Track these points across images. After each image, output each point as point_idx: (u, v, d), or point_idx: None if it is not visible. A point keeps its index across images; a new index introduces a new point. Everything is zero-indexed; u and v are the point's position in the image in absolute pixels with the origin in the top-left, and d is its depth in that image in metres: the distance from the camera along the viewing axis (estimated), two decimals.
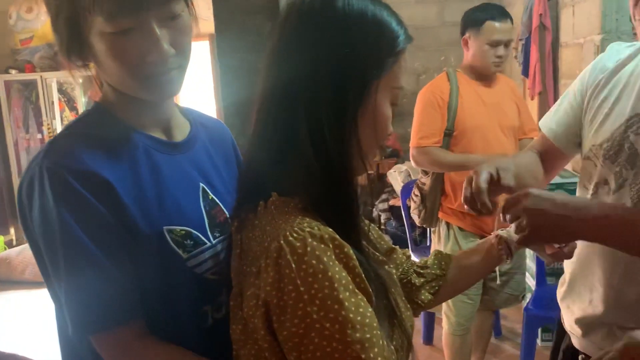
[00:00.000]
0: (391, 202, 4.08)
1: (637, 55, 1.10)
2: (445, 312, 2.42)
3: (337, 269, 0.65)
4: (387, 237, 1.04)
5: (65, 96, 5.10)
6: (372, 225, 0.96)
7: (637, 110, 1.04)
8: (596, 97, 1.13)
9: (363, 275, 0.67)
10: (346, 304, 0.63)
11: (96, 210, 0.76)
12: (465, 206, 1.04)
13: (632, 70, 1.09)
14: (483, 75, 2.32)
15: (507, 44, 2.26)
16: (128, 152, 0.83)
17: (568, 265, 1.23)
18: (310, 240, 0.65)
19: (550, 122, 1.25)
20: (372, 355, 0.63)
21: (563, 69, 3.13)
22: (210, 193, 0.91)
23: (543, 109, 3.18)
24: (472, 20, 2.27)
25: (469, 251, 1.06)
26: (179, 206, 0.85)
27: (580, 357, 1.18)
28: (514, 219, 0.94)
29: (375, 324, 0.65)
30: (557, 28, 3.18)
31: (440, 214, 2.41)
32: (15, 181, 5.25)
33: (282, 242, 0.65)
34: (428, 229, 3.08)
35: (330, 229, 0.68)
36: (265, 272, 0.66)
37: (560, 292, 1.26)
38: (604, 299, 1.10)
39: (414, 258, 1.06)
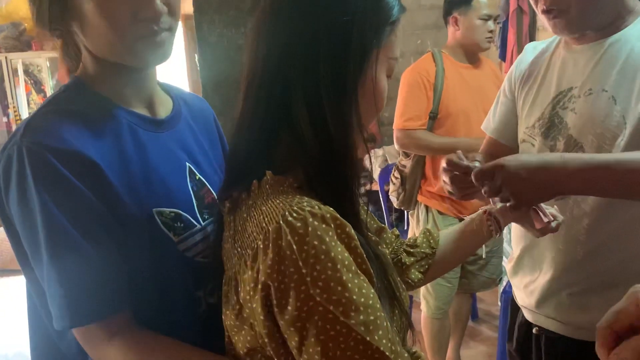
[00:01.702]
0: (367, 187, 4.07)
1: (550, 47, 1.25)
2: (424, 296, 2.43)
3: (339, 249, 0.61)
4: None
5: (32, 78, 4.92)
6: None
7: (560, 89, 1.17)
8: (523, 87, 1.27)
9: (365, 255, 0.64)
10: (349, 285, 0.60)
11: (80, 194, 0.71)
12: (448, 190, 1.07)
13: (548, 59, 1.24)
14: (471, 56, 2.31)
15: (495, 19, 2.28)
16: (112, 130, 0.77)
17: (516, 241, 1.30)
18: (311, 220, 0.61)
19: (492, 123, 1.38)
20: (376, 337, 0.60)
21: None
22: (197, 173, 0.87)
23: None
24: (460, 0, 2.26)
25: (457, 228, 1.05)
26: (167, 187, 0.81)
27: (533, 329, 1.24)
28: (494, 193, 0.94)
29: (378, 306, 0.62)
30: (534, 11, 3.19)
31: (419, 197, 2.40)
32: None
33: (281, 222, 0.62)
34: (405, 214, 3.08)
35: (331, 208, 0.64)
36: (263, 254, 0.62)
37: (509, 269, 1.32)
38: (552, 264, 1.17)
39: None
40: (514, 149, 1.31)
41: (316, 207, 0.63)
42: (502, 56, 3.45)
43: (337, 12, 0.68)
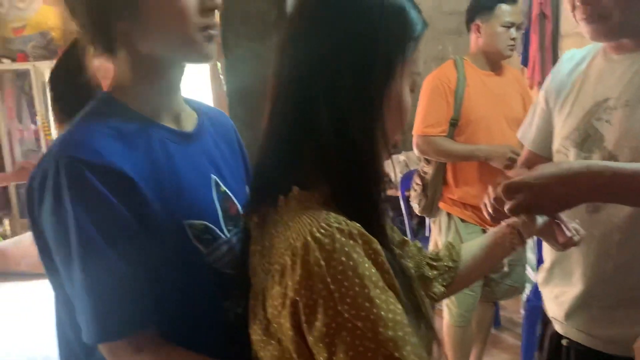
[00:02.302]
0: (388, 193, 4.06)
1: (588, 56, 1.23)
2: (447, 304, 2.42)
3: (366, 265, 0.62)
4: None
5: None
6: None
7: (596, 99, 1.15)
8: (558, 97, 1.25)
9: (391, 271, 0.65)
10: (377, 301, 0.61)
11: (114, 208, 0.72)
12: (486, 206, 1.04)
13: (585, 68, 1.21)
14: (493, 63, 2.31)
15: (518, 27, 2.27)
16: (144, 143, 0.79)
17: (547, 252, 1.28)
18: (338, 236, 0.62)
19: (529, 134, 1.37)
20: (405, 353, 0.61)
21: None
22: (221, 185, 0.89)
23: None
24: (482, 6, 2.26)
25: (480, 241, 1.05)
26: (195, 199, 0.83)
27: (563, 341, 1.23)
28: (518, 211, 0.92)
29: (405, 321, 0.63)
30: (557, 17, 3.16)
31: (441, 204, 2.40)
32: (9, 172, 5.18)
33: (308, 238, 0.63)
34: (427, 220, 3.07)
35: (358, 224, 0.65)
36: (292, 270, 0.63)
37: (540, 279, 1.31)
38: (582, 277, 1.15)
39: None
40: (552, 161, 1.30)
41: (343, 223, 0.64)
42: (524, 62, 3.42)
43: (362, 28, 0.69)
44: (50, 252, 0.76)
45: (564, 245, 0.98)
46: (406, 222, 3.21)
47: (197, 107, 0.95)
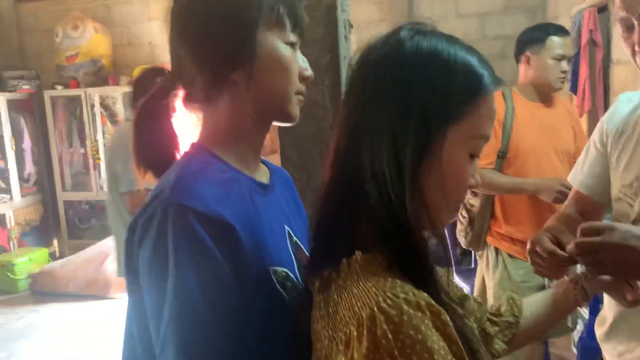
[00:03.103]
0: None
1: None
2: None
3: (434, 338, 0.61)
4: None
5: (107, 110, 5.20)
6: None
7: None
8: (617, 141, 1.20)
9: (459, 342, 0.63)
10: None
11: (216, 261, 0.74)
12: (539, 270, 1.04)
13: None
14: (543, 95, 2.26)
15: (569, 59, 2.23)
16: (238, 192, 0.82)
17: (610, 305, 1.22)
18: (406, 308, 0.61)
19: (581, 176, 1.31)
20: None
21: (615, 87, 3.03)
22: (293, 236, 0.91)
23: (592, 127, 3.08)
24: (533, 38, 2.23)
25: (542, 296, 1.02)
26: (276, 247, 0.85)
27: None
28: (590, 252, 0.90)
29: None
30: (608, 44, 3.09)
31: (488, 239, 2.34)
32: (59, 194, 5.38)
33: (375, 309, 0.61)
34: (473, 251, 3.01)
35: (426, 294, 0.64)
36: (358, 341, 0.62)
37: (600, 332, 1.24)
38: None
39: (457, 280, 1.02)
40: (605, 205, 1.26)
41: (410, 293, 0.63)
42: (573, 89, 3.35)
43: (398, 90, 0.69)
44: (139, 291, 0.78)
45: (634, 302, 0.94)
46: (450, 251, 3.16)
47: (267, 163, 0.99)
